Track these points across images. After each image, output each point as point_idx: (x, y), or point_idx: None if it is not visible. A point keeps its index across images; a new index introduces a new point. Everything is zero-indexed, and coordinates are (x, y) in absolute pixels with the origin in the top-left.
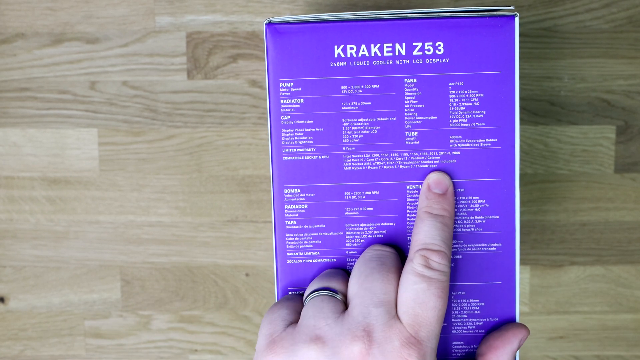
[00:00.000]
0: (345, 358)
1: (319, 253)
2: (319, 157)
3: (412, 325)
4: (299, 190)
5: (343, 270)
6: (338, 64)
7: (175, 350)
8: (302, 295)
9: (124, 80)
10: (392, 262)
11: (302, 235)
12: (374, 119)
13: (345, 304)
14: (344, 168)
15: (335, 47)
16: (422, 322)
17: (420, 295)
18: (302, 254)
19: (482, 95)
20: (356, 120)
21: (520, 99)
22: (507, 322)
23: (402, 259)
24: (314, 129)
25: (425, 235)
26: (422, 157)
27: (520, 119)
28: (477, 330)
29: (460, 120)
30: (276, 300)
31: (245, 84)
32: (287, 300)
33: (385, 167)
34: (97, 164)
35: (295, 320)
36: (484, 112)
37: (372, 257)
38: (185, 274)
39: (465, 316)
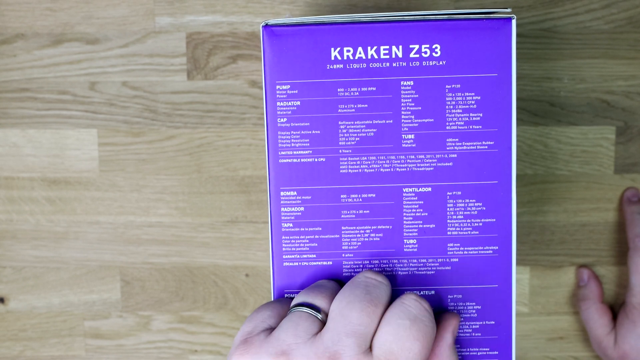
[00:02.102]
0: None
1: (315, 256)
2: (316, 159)
3: None
4: (295, 193)
5: (336, 282)
6: (335, 66)
7: (175, 350)
8: (289, 303)
9: (124, 80)
10: (379, 294)
11: (298, 237)
12: (371, 122)
13: (324, 324)
14: (341, 171)
15: (332, 49)
16: None
17: (400, 331)
18: (298, 256)
19: (478, 97)
20: (353, 122)
21: (520, 99)
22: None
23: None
24: (310, 132)
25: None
26: (419, 160)
27: (520, 120)
28: (473, 334)
29: (457, 122)
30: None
31: (245, 85)
32: (276, 303)
33: (381, 169)
34: (97, 165)
35: (275, 325)
36: (481, 115)
37: (359, 284)
38: (185, 274)
39: (462, 320)
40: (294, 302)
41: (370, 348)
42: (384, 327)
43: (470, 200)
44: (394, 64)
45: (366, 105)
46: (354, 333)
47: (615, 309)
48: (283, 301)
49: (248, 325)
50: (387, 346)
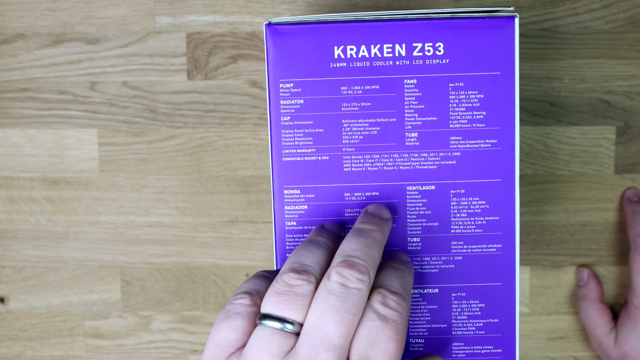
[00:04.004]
0: None
1: None
2: (319, 158)
3: None
4: (299, 191)
5: (309, 287)
6: (338, 64)
7: (175, 350)
8: (249, 303)
9: (124, 80)
10: (356, 300)
11: (302, 236)
12: (374, 120)
13: (297, 335)
14: (344, 169)
15: (335, 47)
16: None
17: (374, 334)
18: None
19: (482, 96)
20: (356, 121)
21: (521, 99)
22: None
23: None
24: (314, 130)
25: (384, 279)
26: (422, 158)
27: (520, 120)
28: (477, 332)
29: (460, 121)
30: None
31: (245, 85)
32: (232, 317)
33: (385, 168)
34: (97, 165)
35: (243, 344)
36: (484, 113)
37: (333, 291)
38: (185, 274)
39: (466, 317)
40: (264, 310)
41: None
42: (359, 329)
43: (474, 199)
44: (397, 63)
45: (369, 104)
46: (332, 347)
47: (616, 309)
48: (239, 312)
49: (213, 351)
50: (363, 351)
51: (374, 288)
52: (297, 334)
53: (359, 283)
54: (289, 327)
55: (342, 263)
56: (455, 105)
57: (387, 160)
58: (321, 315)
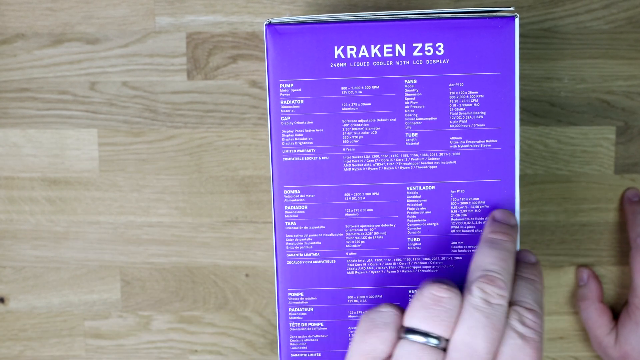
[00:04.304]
0: None
1: (318, 254)
2: (319, 158)
3: None
4: (299, 191)
5: (455, 300)
6: (338, 64)
7: (175, 350)
8: (396, 313)
9: (124, 80)
10: (499, 316)
11: (302, 236)
12: (374, 120)
13: (444, 351)
14: (344, 169)
15: (335, 47)
16: None
17: (516, 352)
18: (302, 255)
19: (482, 96)
20: (356, 121)
21: (521, 99)
22: None
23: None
24: (314, 130)
25: (517, 294)
26: (422, 158)
27: (520, 120)
28: None
29: (460, 121)
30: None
31: (245, 85)
32: (380, 327)
33: (385, 168)
34: (97, 165)
35: (388, 356)
36: (484, 113)
37: (477, 306)
38: (185, 274)
39: None
40: (410, 324)
41: None
42: (501, 347)
43: (474, 199)
44: (397, 63)
45: (370, 104)
46: None
47: (616, 309)
48: (386, 319)
49: (358, 358)
50: None
51: (509, 304)
52: (443, 349)
53: (501, 299)
54: (433, 341)
55: (483, 279)
56: (455, 105)
57: (387, 160)
58: (468, 331)
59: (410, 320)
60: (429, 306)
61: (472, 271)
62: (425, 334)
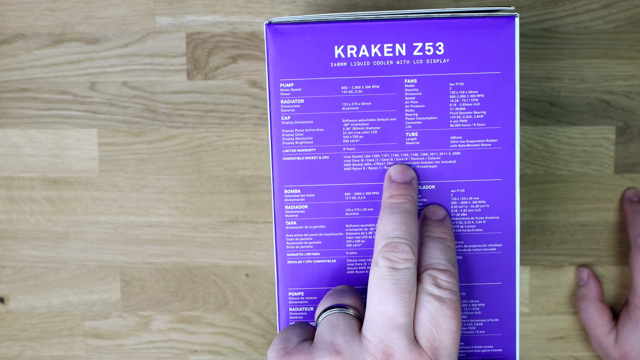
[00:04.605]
0: None
1: (319, 254)
2: (319, 157)
3: (431, 348)
4: (299, 191)
5: (350, 287)
6: (338, 64)
7: (175, 350)
8: (309, 324)
9: (124, 80)
10: (407, 278)
11: (302, 235)
12: (374, 120)
13: (359, 320)
14: (344, 168)
15: (336, 47)
16: (439, 346)
17: (434, 315)
18: (302, 254)
19: (482, 95)
20: (356, 120)
21: (521, 99)
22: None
23: None
24: (314, 129)
25: (429, 256)
26: (423, 158)
27: (521, 120)
28: (477, 331)
29: (460, 120)
30: (281, 327)
31: (245, 85)
32: (299, 323)
33: (385, 167)
34: (97, 165)
35: (309, 339)
36: (484, 113)
37: (384, 276)
38: (185, 274)
39: (466, 317)
40: (320, 310)
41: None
42: (418, 313)
43: (474, 198)
44: (398, 62)
45: (370, 103)
46: (398, 327)
47: (616, 309)
48: (302, 323)
49: (280, 343)
50: (429, 333)
51: (421, 266)
52: (359, 319)
53: (407, 262)
54: (341, 309)
55: (386, 247)
56: (455, 104)
57: (388, 159)
58: (379, 300)
59: (321, 307)
60: (332, 293)
61: (376, 241)
62: (336, 306)
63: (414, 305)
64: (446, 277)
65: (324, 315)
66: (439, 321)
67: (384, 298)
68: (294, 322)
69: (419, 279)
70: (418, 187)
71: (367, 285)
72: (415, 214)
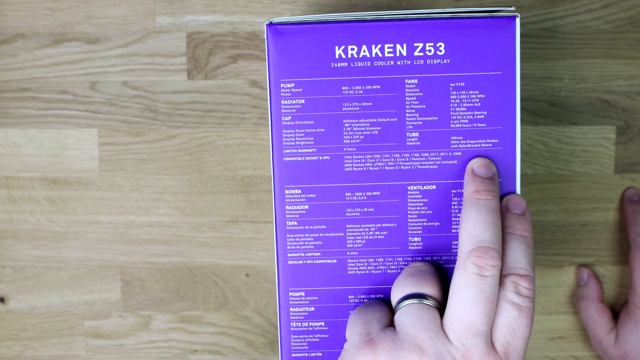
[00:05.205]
0: None
1: (319, 254)
2: (320, 157)
3: (505, 353)
4: (300, 191)
5: (428, 267)
6: (339, 64)
7: (175, 350)
8: (384, 301)
9: (124, 80)
10: (492, 288)
11: (303, 236)
12: (375, 120)
13: (439, 310)
14: (345, 169)
15: (336, 47)
16: (512, 351)
17: (512, 323)
18: (303, 254)
19: (483, 95)
20: (357, 120)
21: (521, 99)
22: None
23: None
24: (314, 130)
25: (511, 258)
26: (423, 158)
27: (521, 120)
28: None
29: (461, 120)
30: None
31: (246, 84)
32: (375, 304)
33: (386, 167)
34: (97, 164)
35: (389, 324)
36: (485, 113)
37: (471, 281)
38: (185, 274)
39: None
40: (399, 294)
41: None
42: (497, 320)
43: None
44: (398, 62)
45: (371, 104)
46: (479, 333)
47: (616, 309)
48: (378, 302)
49: (363, 327)
50: (504, 340)
51: (503, 267)
52: (437, 308)
53: (494, 269)
54: (427, 301)
55: (475, 252)
56: (456, 105)
57: (388, 160)
58: (463, 308)
59: (400, 290)
60: (412, 274)
61: (463, 240)
62: (418, 295)
63: (494, 312)
64: (527, 284)
65: (405, 303)
66: (515, 329)
67: (468, 306)
68: (369, 300)
69: (500, 282)
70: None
71: (376, 285)
72: (499, 211)
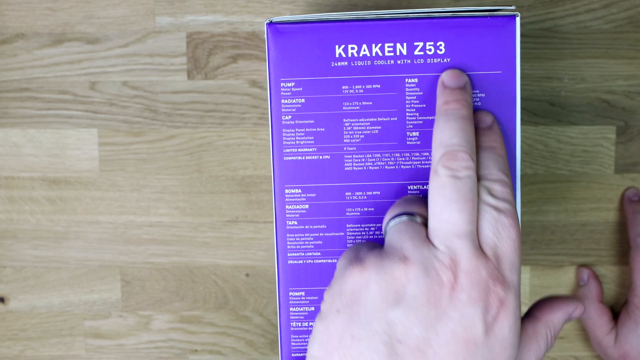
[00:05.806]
0: (434, 282)
1: (320, 254)
2: (320, 157)
3: (494, 256)
4: (300, 191)
5: (416, 196)
6: (339, 63)
7: (175, 350)
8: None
9: (124, 80)
10: (469, 186)
11: (303, 235)
12: (375, 119)
13: (426, 226)
14: (345, 168)
15: (337, 46)
16: (501, 254)
17: (494, 224)
18: (303, 254)
19: (483, 95)
20: (357, 120)
21: (521, 99)
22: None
23: None
24: (315, 129)
25: (481, 167)
26: (424, 158)
27: (521, 119)
28: None
29: None
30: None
31: (246, 84)
32: (366, 241)
33: (386, 167)
34: (97, 164)
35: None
36: None
37: (445, 185)
38: (185, 274)
39: None
40: (389, 217)
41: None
42: (479, 224)
43: None
44: (399, 62)
45: (371, 103)
46: (463, 234)
47: (616, 309)
48: (370, 241)
49: (350, 252)
50: (491, 241)
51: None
52: (422, 224)
53: (467, 170)
54: (416, 217)
55: (446, 156)
56: None
57: (389, 159)
58: (442, 209)
59: (389, 215)
60: (400, 202)
61: (434, 150)
62: (404, 214)
63: (476, 212)
64: (500, 187)
65: (391, 223)
66: (499, 229)
67: (447, 206)
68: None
69: (480, 185)
70: (472, 94)
71: None
72: (472, 119)
